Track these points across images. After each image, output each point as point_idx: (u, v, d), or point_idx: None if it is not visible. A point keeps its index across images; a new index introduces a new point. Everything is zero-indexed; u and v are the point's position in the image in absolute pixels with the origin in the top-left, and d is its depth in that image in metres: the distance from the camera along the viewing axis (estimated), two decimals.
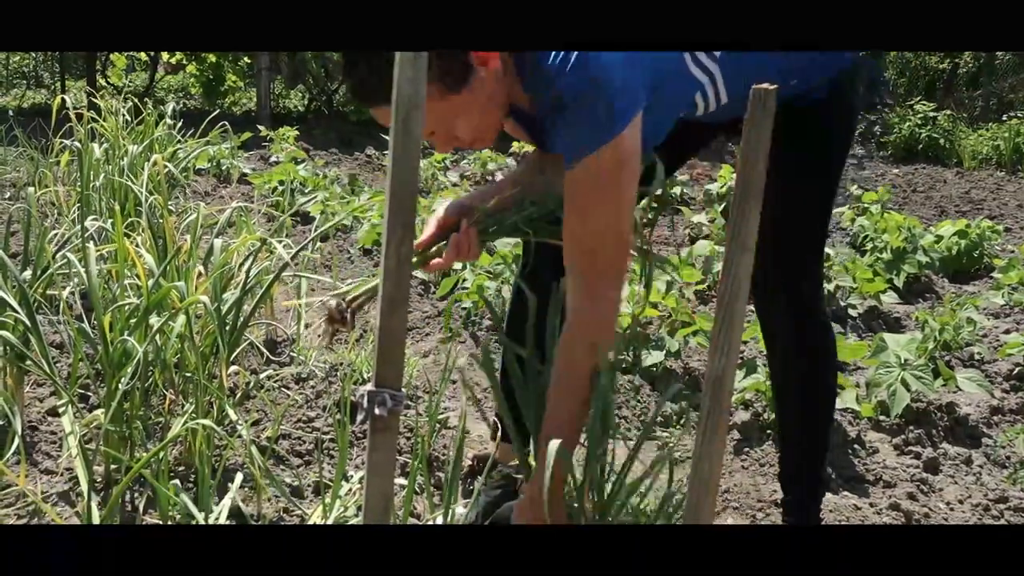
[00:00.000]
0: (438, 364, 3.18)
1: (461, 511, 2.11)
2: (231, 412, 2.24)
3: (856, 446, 2.72)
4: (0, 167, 5.25)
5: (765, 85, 1.04)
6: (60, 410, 2.44)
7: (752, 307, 3.19)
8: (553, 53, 1.56)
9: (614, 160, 1.56)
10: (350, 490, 2.06)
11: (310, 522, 2.05)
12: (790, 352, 2.03)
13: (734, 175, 1.48)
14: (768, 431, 2.76)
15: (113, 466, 2.25)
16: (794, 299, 1.98)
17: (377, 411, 1.03)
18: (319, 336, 1.66)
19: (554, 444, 1.45)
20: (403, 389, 1.08)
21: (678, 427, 2.80)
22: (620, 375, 3.08)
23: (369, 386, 1.05)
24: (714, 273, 4.06)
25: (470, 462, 2.43)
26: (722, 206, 5.51)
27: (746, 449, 2.70)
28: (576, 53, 1.54)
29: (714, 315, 1.09)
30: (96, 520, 1.83)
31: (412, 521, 2.12)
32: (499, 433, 2.26)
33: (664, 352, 3.12)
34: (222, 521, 1.95)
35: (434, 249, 1.78)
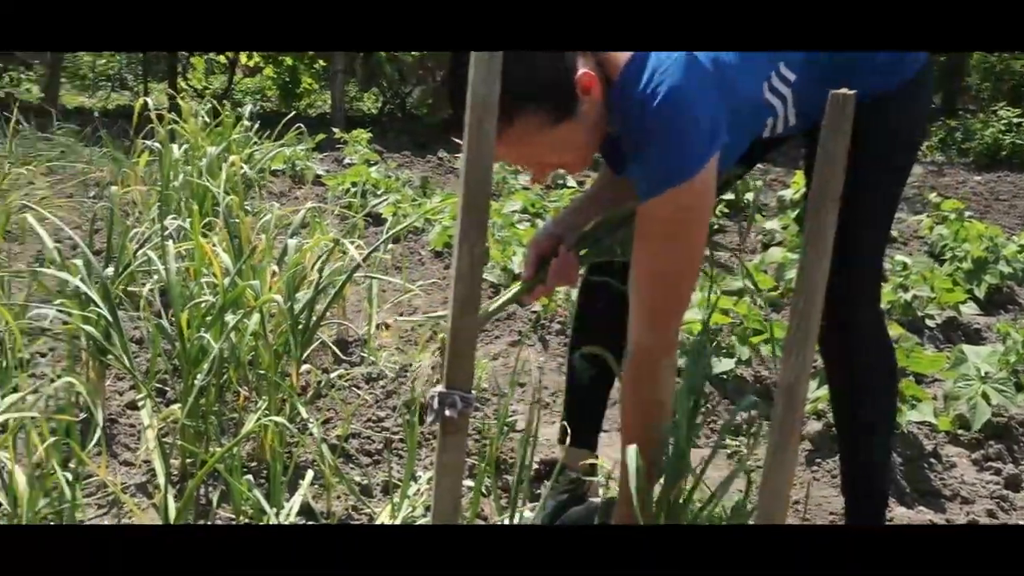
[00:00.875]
0: (507, 367, 3.19)
1: (528, 515, 2.11)
2: (302, 410, 2.27)
3: (932, 460, 2.66)
4: (85, 167, 5.40)
5: (843, 90, 1.03)
6: (139, 404, 2.50)
7: None
8: (643, 80, 1.56)
9: (690, 196, 1.58)
10: (418, 490, 2.08)
11: (378, 521, 2.07)
12: (850, 362, 1.99)
13: None
14: None
15: (188, 460, 2.30)
16: (854, 306, 1.94)
17: (447, 413, 1.04)
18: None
19: (632, 451, 1.47)
20: (472, 391, 1.09)
21: (749, 436, 2.77)
22: None
23: (440, 388, 1.06)
24: (786, 281, 4.00)
25: (537, 466, 2.43)
26: (796, 212, 5.43)
27: (818, 460, 2.66)
28: (666, 85, 1.54)
29: (787, 323, 1.08)
30: (172, 512, 1.88)
31: (478, 523, 2.13)
32: (567, 437, 2.26)
33: (735, 360, 3.09)
34: (292, 518, 1.98)
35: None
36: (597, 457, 2.28)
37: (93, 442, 2.10)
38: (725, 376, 3.09)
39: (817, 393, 2.79)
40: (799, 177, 6.05)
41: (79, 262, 2.57)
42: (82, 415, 2.43)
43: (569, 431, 2.21)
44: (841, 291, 1.92)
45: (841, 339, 1.95)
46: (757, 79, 1.70)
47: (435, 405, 1.05)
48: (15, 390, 2.16)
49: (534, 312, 3.65)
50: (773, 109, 1.76)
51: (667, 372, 1.68)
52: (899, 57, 1.81)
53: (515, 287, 1.84)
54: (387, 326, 3.51)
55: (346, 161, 6.76)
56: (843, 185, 1.06)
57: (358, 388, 2.90)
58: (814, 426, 2.78)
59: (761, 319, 3.30)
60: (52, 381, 2.13)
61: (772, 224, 5.17)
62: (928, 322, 3.80)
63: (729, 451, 2.65)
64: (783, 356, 1.09)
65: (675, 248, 1.62)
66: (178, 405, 2.35)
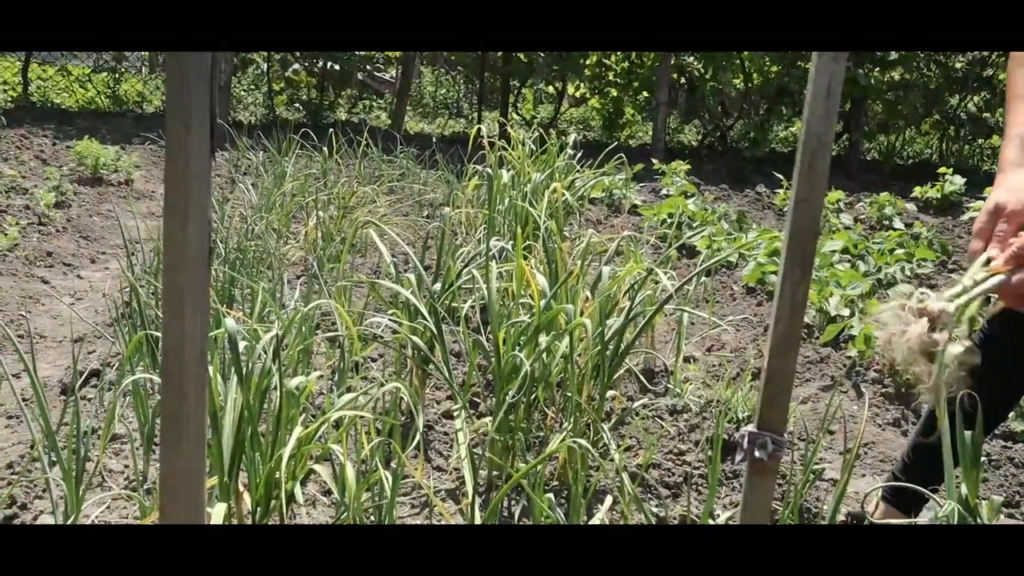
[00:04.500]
0: (816, 413, 3.06)
1: None
2: (606, 435, 2.30)
3: None
4: (422, 187, 5.81)
5: None
6: (454, 413, 2.65)
7: None
8: None
9: None
10: None
11: None
12: None
13: None
14: None
15: (495, 472, 2.40)
16: None
17: (757, 453, 1.02)
18: (906, 350, 1.21)
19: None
20: (785, 435, 1.05)
21: None
22: None
23: (751, 427, 1.03)
24: None
25: (844, 519, 2.31)
26: None
27: None
28: None
29: None
30: (477, 521, 1.96)
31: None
32: (880, 494, 2.13)
33: None
34: None
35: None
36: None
37: (412, 445, 2.24)
38: None
39: None
40: None
41: (411, 276, 2.77)
42: (404, 419, 2.60)
43: (891, 489, 2.07)
44: None
45: None
46: None
47: (745, 444, 1.03)
48: (349, 390, 2.36)
49: (849, 357, 3.48)
50: None
51: None
52: None
53: (981, 271, 1.37)
54: (695, 359, 3.48)
55: (663, 192, 6.80)
56: None
57: (661, 419, 2.89)
58: None
59: None
60: (381, 385, 2.30)
61: None
62: None
63: None
64: None
65: None
66: (489, 419, 2.46)
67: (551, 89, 12.05)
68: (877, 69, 9.15)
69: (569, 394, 2.48)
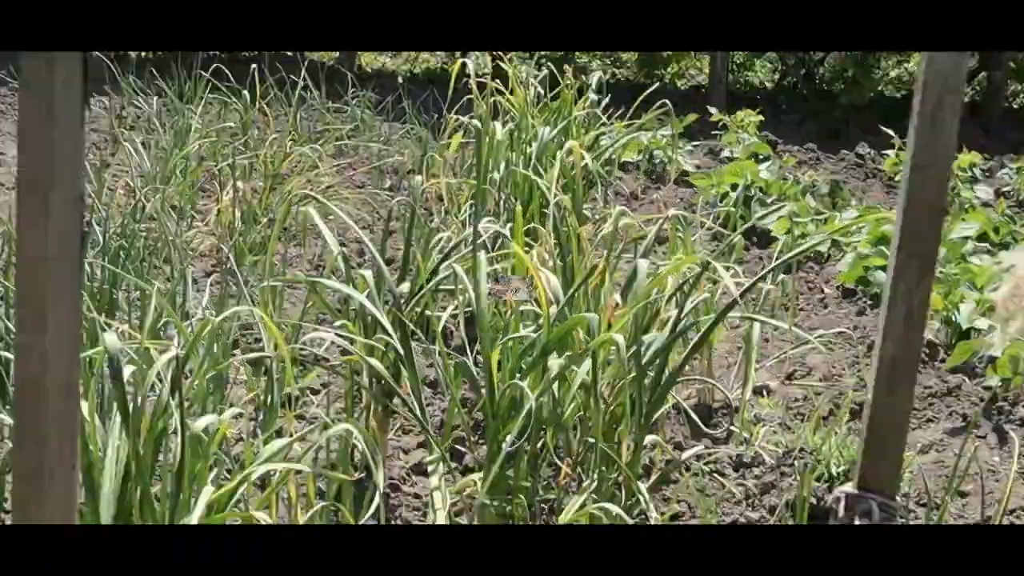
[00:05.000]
0: (942, 465, 3.06)
1: None
2: (644, 498, 2.30)
3: None
4: (382, 148, 5.80)
5: None
6: (428, 468, 2.64)
7: None
8: None
9: None
10: None
11: None
12: None
13: None
14: None
15: None
16: None
17: (858, 522, 1.02)
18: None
19: None
20: (896, 497, 1.05)
21: None
22: None
23: (849, 487, 1.03)
24: None
25: None
26: None
27: None
28: None
29: None
30: None
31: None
32: None
33: None
34: None
35: None
36: None
37: (369, 513, 2.24)
38: None
39: None
40: None
41: (367, 273, 2.76)
42: (358, 475, 2.60)
43: None
44: None
45: None
46: None
47: (841, 511, 1.03)
48: (280, 434, 2.35)
49: (987, 388, 3.48)
50: None
51: None
52: None
53: None
54: (769, 391, 3.48)
55: (724, 154, 6.80)
56: None
57: (722, 475, 2.89)
58: None
59: None
60: (325, 427, 2.30)
61: None
62: None
63: None
64: None
65: None
66: (478, 475, 2.45)
67: None
68: None
69: (592, 440, 2.48)
